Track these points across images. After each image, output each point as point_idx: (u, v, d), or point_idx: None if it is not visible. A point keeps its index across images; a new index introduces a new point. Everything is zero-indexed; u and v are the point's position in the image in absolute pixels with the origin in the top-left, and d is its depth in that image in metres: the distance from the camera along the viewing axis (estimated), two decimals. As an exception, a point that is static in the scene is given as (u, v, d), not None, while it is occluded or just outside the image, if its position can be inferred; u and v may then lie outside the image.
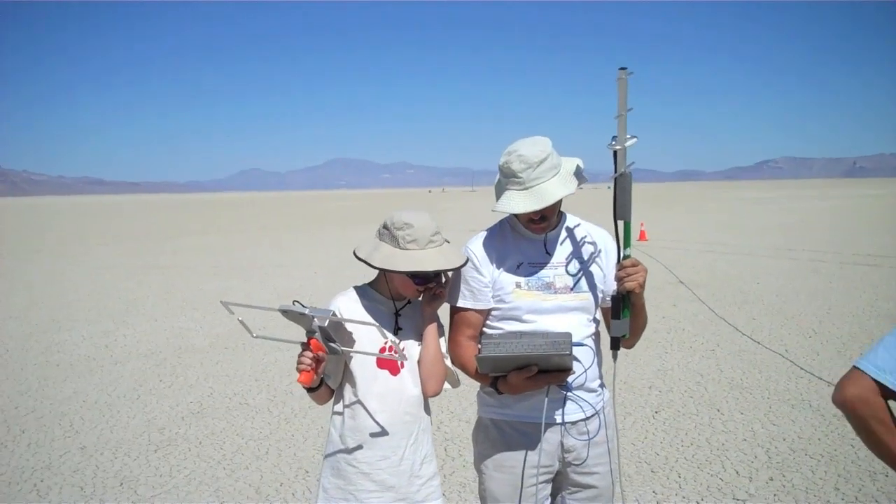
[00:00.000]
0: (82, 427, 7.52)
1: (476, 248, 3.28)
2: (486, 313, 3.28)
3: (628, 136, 2.96)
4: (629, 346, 3.36)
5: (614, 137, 2.96)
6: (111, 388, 8.93)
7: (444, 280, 3.27)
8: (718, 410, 7.52)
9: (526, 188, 3.06)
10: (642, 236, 26.91)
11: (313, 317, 2.87)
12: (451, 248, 3.19)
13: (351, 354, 3.14)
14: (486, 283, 3.23)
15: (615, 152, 2.98)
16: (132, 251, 28.47)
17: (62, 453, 6.77)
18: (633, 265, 3.06)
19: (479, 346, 3.15)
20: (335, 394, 3.26)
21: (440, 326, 3.31)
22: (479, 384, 3.40)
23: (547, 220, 3.16)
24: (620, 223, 3.08)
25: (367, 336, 3.08)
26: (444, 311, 3.26)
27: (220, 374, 9.51)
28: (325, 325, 2.88)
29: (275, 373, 9.49)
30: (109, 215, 70.48)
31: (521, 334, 3.15)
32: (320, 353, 2.93)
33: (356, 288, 3.32)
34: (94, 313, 14.25)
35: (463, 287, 3.26)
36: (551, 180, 3.07)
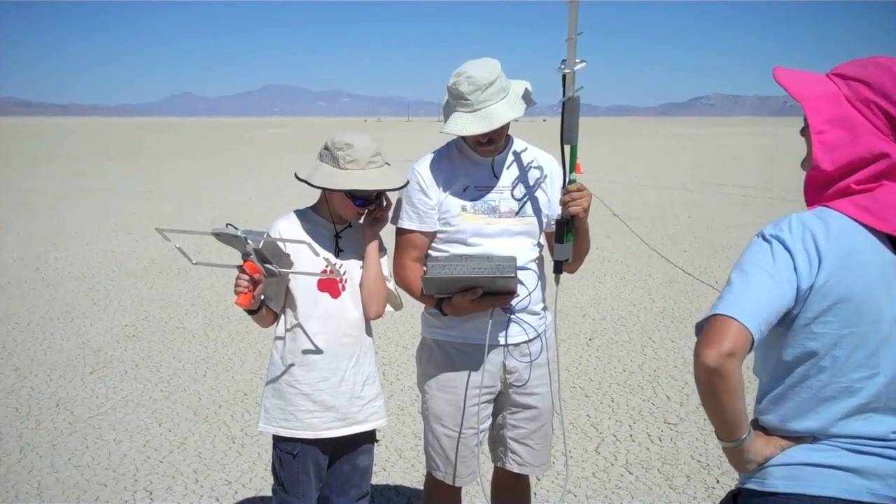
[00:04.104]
0: (15, 349, 7.43)
1: (423, 169, 3.27)
2: (431, 235, 3.30)
3: (578, 60, 2.96)
4: (572, 271, 3.41)
5: (563, 61, 2.97)
6: (44, 311, 8.82)
7: (384, 203, 3.28)
8: (650, 338, 7.69)
9: (474, 110, 3.05)
10: (578, 169, 27.04)
11: (246, 239, 2.86)
12: (391, 170, 3.18)
13: (290, 276, 3.15)
14: (433, 206, 3.24)
15: (564, 76, 2.99)
16: (62, 174, 27.81)
17: (-5, 374, 6.71)
18: (579, 189, 3.09)
19: (425, 267, 3.18)
20: (278, 319, 3.27)
21: (383, 249, 3.32)
22: (421, 307, 3.44)
23: (494, 143, 3.17)
24: (567, 147, 3.10)
25: (308, 259, 3.08)
26: (389, 234, 3.27)
27: (155, 298, 9.44)
28: (260, 246, 2.88)
29: (211, 297, 9.45)
30: (37, 137, 68.76)
31: (466, 257, 3.18)
32: (256, 276, 2.94)
33: (297, 211, 3.31)
34: (25, 236, 13.97)
35: (409, 209, 3.26)
36: (500, 103, 3.06)
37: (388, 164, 3.19)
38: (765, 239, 2.04)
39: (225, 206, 18.33)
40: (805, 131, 2.15)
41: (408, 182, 3.21)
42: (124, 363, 7.04)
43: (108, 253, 12.43)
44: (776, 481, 2.06)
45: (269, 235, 2.96)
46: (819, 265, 1.97)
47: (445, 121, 3.14)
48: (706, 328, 1.95)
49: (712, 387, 1.93)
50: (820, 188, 2.09)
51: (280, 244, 3.04)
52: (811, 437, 2.06)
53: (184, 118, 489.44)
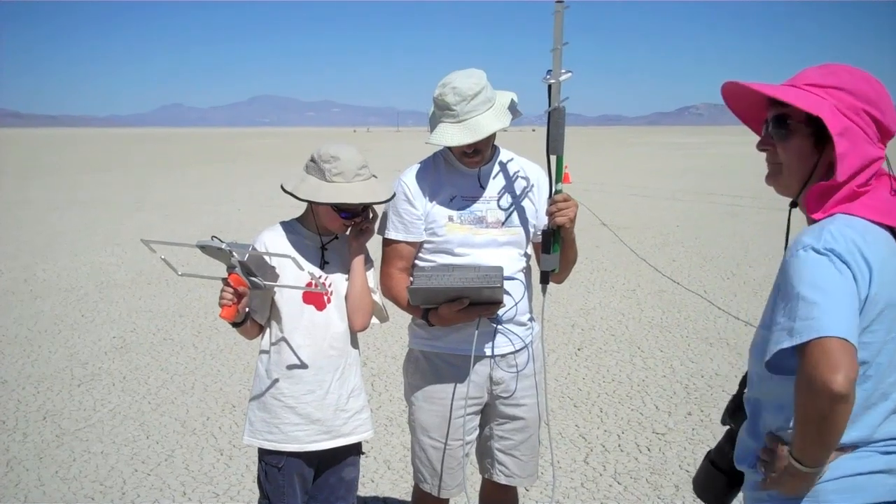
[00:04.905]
0: (2, 361, 7.40)
1: (409, 180, 3.28)
2: (418, 246, 3.30)
3: (563, 70, 2.96)
4: (559, 281, 3.41)
5: (549, 71, 2.97)
6: (32, 323, 8.78)
7: (371, 215, 3.27)
8: (639, 348, 7.70)
9: (460, 121, 3.05)
10: (566, 179, 27.09)
11: (231, 251, 2.86)
12: (378, 182, 3.18)
13: (275, 289, 3.15)
14: (419, 216, 3.24)
15: (549, 86, 2.99)
16: (52, 185, 27.75)
17: (-19, 387, 6.67)
18: (565, 200, 3.08)
19: (411, 277, 3.18)
20: (263, 331, 3.27)
21: (369, 261, 3.32)
22: (408, 318, 3.43)
23: (480, 153, 3.17)
24: (553, 158, 3.10)
25: (293, 272, 3.08)
26: (375, 245, 3.27)
27: (143, 310, 9.41)
28: (245, 259, 2.88)
29: (199, 309, 9.42)
30: (27, 149, 68.61)
31: (453, 267, 3.18)
32: (241, 288, 2.93)
33: (283, 223, 3.30)
34: (13, 248, 13.91)
35: (395, 219, 3.26)
36: (485, 113, 3.07)
37: (374, 177, 3.18)
38: (818, 252, 1.92)
39: (214, 217, 18.30)
40: (770, 143, 2.14)
41: (394, 195, 3.21)
42: (112, 375, 7.01)
43: (96, 265, 12.38)
44: (831, 496, 1.99)
45: (254, 248, 2.95)
46: (869, 274, 1.92)
47: (431, 132, 3.15)
48: (818, 353, 1.81)
49: (836, 414, 1.82)
50: (826, 198, 2.05)
51: (265, 257, 3.03)
52: (852, 447, 2.01)
53: (173, 129, 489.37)
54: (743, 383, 2.41)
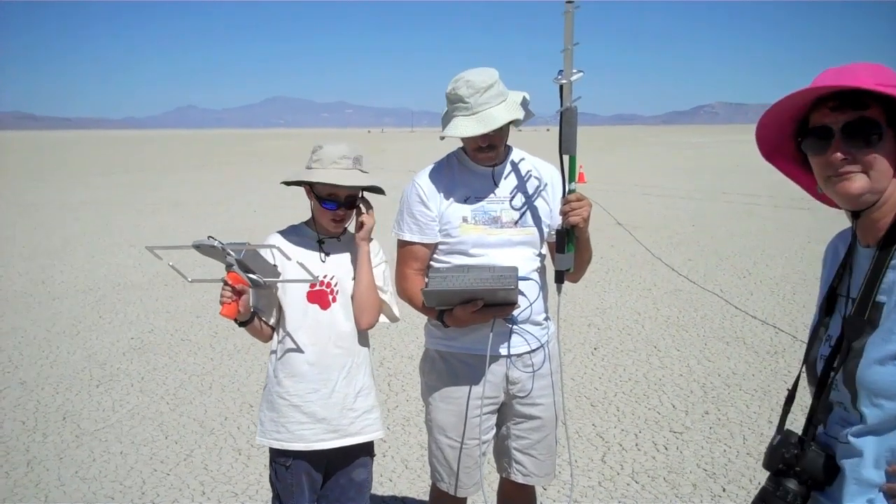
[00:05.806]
0: (21, 362, 7.45)
1: (423, 181, 3.29)
2: (433, 247, 3.31)
3: (574, 71, 2.97)
4: (574, 281, 3.41)
5: (560, 72, 2.97)
6: (50, 324, 8.84)
7: (359, 211, 3.28)
8: (655, 347, 7.69)
9: (473, 113, 3.07)
10: (581, 178, 27.06)
11: (224, 249, 2.89)
12: (359, 173, 3.22)
13: (279, 288, 3.21)
14: (433, 217, 3.25)
15: (561, 86, 2.99)
16: (68, 187, 27.90)
17: (2, 388, 6.71)
18: (578, 199, 3.07)
19: (426, 279, 3.19)
20: (274, 333, 3.31)
21: (378, 259, 3.35)
22: (424, 317, 3.44)
23: (495, 148, 3.18)
24: (566, 158, 3.11)
25: (295, 272, 3.10)
26: (390, 246, 3.29)
27: (160, 311, 9.46)
28: (241, 256, 2.91)
29: (216, 310, 9.34)
30: (42, 151, 68.96)
31: (467, 268, 3.18)
32: (239, 286, 2.96)
33: (289, 227, 3.40)
34: (30, 249, 14.01)
35: (410, 220, 3.28)
36: (498, 106, 3.08)
37: (361, 171, 3.23)
38: None
39: (229, 217, 18.37)
40: (850, 151, 1.91)
41: (376, 186, 3.25)
42: (130, 376, 7.05)
43: (113, 266, 12.46)
44: None
45: (249, 245, 2.98)
46: None
47: (444, 127, 3.17)
48: None
49: None
50: None
51: (267, 257, 3.08)
52: None
53: (188, 130, 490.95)
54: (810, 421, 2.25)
